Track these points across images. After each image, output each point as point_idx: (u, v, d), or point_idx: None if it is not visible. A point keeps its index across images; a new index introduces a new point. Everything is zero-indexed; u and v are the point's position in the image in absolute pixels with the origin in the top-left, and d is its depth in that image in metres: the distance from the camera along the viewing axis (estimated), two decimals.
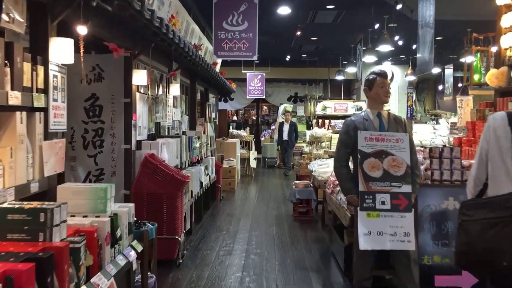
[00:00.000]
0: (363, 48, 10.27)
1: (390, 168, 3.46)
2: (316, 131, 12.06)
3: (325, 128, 13.56)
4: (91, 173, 4.66)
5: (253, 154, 11.86)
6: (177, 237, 4.43)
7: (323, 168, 6.70)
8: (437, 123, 14.46)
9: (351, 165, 3.67)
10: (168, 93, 6.28)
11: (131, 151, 4.61)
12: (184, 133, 7.41)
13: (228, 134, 12.55)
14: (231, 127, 12.56)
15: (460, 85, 15.01)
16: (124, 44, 4.46)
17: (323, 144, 12.35)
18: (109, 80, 4.61)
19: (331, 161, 6.94)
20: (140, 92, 4.86)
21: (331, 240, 5.29)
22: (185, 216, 5.26)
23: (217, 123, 11.81)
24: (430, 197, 3.87)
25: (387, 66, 15.65)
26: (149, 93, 4.93)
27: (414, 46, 9.31)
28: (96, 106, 4.64)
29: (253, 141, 12.19)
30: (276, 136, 13.87)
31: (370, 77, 3.65)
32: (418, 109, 17.56)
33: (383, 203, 3.42)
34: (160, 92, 5.81)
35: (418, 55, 5.73)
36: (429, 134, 11.84)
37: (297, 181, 7.01)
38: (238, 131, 12.17)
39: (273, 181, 11.27)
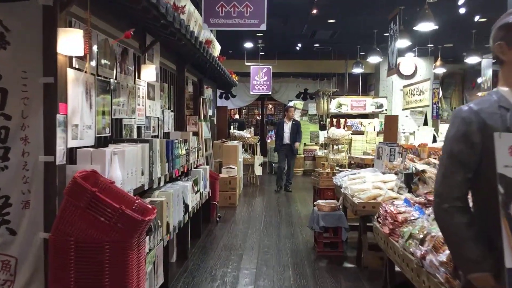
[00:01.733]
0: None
1: None
2: (334, 131, 10.15)
3: (339, 128, 11.60)
4: None
5: (258, 159, 9.95)
6: None
7: (358, 183, 4.79)
8: None
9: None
10: (139, 77, 4.40)
11: (57, 167, 2.73)
12: (166, 134, 5.54)
13: (228, 136, 10.65)
14: (232, 127, 10.69)
15: None
16: None
17: (340, 147, 10.45)
18: (18, 46, 2.74)
19: (368, 175, 5.03)
20: (74, 68, 2.97)
21: None
22: (155, 265, 3.37)
23: (215, 122, 9.91)
24: None
25: (410, 59, 13.72)
26: (87, 70, 3.02)
27: (476, 18, 7.41)
28: None
29: (258, 144, 10.28)
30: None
31: None
32: (444, 106, 15.61)
33: None
34: (123, 75, 3.93)
35: None
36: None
37: (321, 202, 5.08)
38: (241, 132, 10.26)
39: (283, 193, 9.36)
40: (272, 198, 8.64)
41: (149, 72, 4.45)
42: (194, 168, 5.45)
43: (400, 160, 5.24)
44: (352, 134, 10.90)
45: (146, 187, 3.49)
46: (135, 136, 4.29)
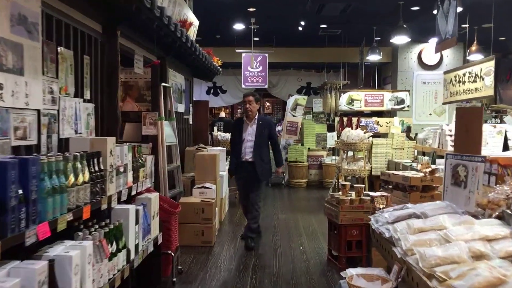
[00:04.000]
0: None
1: None
2: (349, 133, 7.67)
3: (352, 129, 9.11)
4: None
5: None
6: None
7: (434, 242, 2.32)
8: (501, 121, 10.16)
9: None
10: None
11: None
12: (64, 142, 3.08)
13: (211, 139, 8.18)
14: (215, 128, 8.25)
15: None
16: None
17: (356, 154, 8.02)
18: None
19: (448, 221, 2.55)
20: None
21: None
22: None
23: (190, 122, 7.43)
24: None
25: (433, 45, 11.29)
26: None
27: None
28: None
29: None
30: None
31: None
32: (473, 102, 13.16)
33: None
34: None
35: None
36: (486, 137, 7.49)
37: (355, 275, 2.59)
38: (226, 135, 7.78)
39: (282, 217, 6.90)
40: (266, 227, 6.16)
41: None
42: (121, 202, 2.99)
43: (502, 191, 2.77)
44: (374, 137, 8.44)
45: None
46: None
